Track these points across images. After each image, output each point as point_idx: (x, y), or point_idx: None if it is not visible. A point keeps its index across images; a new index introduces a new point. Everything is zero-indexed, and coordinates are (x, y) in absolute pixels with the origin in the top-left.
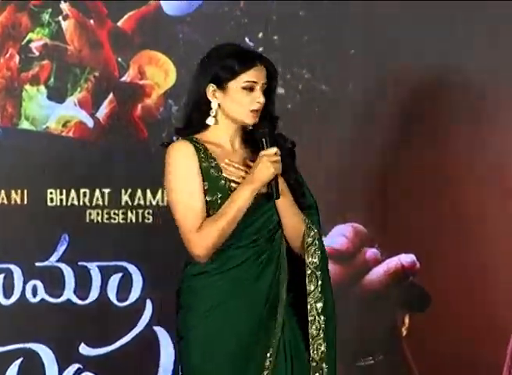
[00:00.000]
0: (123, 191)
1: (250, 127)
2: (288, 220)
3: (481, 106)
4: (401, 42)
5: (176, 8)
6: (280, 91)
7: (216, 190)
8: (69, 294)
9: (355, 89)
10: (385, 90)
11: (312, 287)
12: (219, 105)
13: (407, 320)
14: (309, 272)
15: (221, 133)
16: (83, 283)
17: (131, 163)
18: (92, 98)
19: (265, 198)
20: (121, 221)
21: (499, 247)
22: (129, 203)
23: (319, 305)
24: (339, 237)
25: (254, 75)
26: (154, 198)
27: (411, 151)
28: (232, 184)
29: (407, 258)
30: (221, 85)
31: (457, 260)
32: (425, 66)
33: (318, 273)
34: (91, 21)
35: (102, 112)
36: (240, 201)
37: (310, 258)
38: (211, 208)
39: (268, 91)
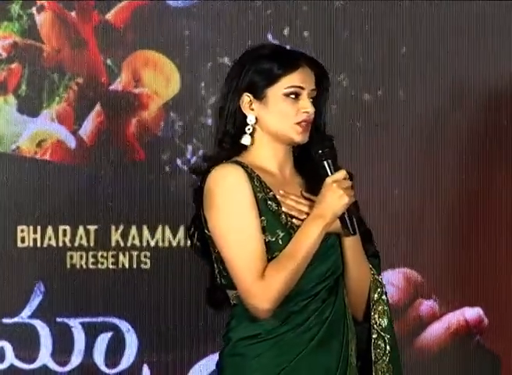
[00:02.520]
0: (113, 228)
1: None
2: (354, 267)
3: None
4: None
5: None
6: None
7: (277, 227)
8: (44, 358)
9: (406, 98)
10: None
11: (379, 355)
12: (257, 119)
13: None
14: (375, 336)
15: (267, 157)
16: (62, 344)
17: (124, 193)
18: (74, 111)
19: (333, 240)
20: (110, 266)
21: None
22: (121, 244)
23: None
24: (387, 286)
25: (298, 79)
26: (152, 237)
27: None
28: (294, 221)
29: (472, 313)
30: (258, 94)
31: None
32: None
33: (387, 337)
34: (73, 14)
35: (87, 128)
36: (311, 239)
37: (377, 319)
38: (272, 250)
39: (318, 101)
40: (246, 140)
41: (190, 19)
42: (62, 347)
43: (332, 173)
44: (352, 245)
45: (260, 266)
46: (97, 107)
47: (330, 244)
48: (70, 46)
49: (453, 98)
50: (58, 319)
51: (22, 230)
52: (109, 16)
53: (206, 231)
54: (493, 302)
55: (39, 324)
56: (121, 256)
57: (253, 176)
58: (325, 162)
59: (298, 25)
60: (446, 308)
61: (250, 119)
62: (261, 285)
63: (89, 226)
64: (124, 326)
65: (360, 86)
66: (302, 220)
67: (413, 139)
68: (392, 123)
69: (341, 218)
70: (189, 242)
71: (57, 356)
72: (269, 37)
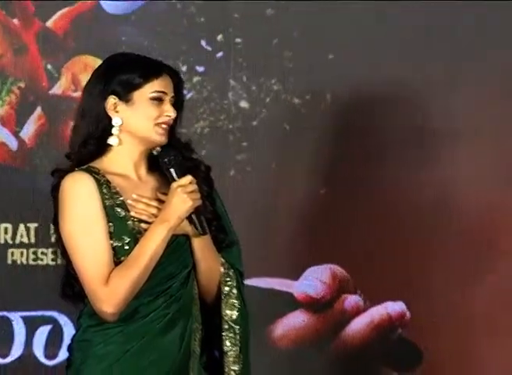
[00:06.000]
0: (53, 226)
1: (155, 153)
2: (203, 264)
3: None
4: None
5: (118, 6)
6: (244, 105)
7: (123, 233)
8: None
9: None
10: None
11: (229, 346)
12: (123, 121)
13: None
14: (226, 327)
15: (123, 160)
16: (3, 337)
17: None
18: (16, 114)
19: (182, 240)
20: (50, 262)
21: (499, 293)
22: None
23: (237, 367)
24: (313, 281)
25: (162, 85)
26: None
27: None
28: (143, 225)
29: (394, 308)
30: (124, 97)
31: (458, 308)
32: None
33: (237, 328)
34: (15, 21)
35: (28, 130)
36: (153, 244)
37: (227, 311)
38: (119, 255)
39: (175, 107)
40: (113, 140)
41: (127, 25)
42: (3, 339)
43: (177, 179)
44: (201, 244)
45: (105, 272)
46: (38, 110)
47: (179, 244)
48: (12, 52)
49: (378, 102)
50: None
51: None
52: (50, 23)
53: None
54: (415, 296)
55: None
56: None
57: (102, 182)
58: (170, 170)
59: (231, 32)
60: (369, 303)
61: (116, 122)
62: (105, 290)
63: (29, 224)
64: (62, 319)
65: (290, 90)
66: (151, 224)
67: (339, 141)
68: (320, 125)
69: (190, 220)
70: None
71: None
72: (203, 43)
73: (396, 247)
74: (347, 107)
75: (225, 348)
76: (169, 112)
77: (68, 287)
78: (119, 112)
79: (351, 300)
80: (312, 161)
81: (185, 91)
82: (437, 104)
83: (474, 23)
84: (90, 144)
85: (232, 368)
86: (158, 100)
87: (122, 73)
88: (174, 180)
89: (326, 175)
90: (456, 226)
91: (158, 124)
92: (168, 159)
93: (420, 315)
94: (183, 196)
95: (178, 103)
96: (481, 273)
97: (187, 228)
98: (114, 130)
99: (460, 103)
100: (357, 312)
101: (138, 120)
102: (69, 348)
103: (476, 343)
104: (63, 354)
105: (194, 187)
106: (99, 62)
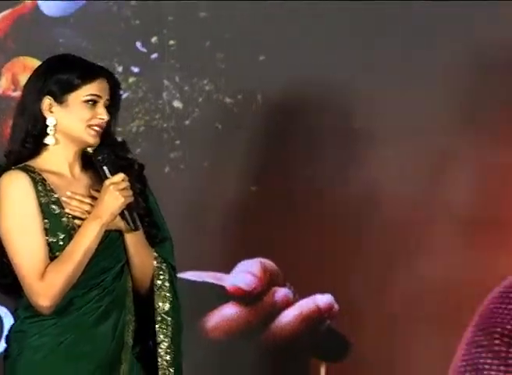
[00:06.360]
0: None
1: (90, 151)
2: (136, 258)
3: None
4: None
5: (56, 8)
6: (177, 104)
7: (58, 229)
8: None
9: (265, 103)
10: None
11: (162, 337)
12: (57, 121)
13: (323, 370)
14: (159, 319)
15: (58, 159)
16: None
17: None
18: None
19: (115, 235)
20: None
21: (423, 284)
22: None
23: (169, 357)
24: (244, 274)
25: (97, 88)
26: None
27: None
28: (76, 221)
29: (323, 300)
30: (59, 98)
31: (383, 300)
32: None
33: (169, 319)
34: None
35: None
36: (87, 240)
37: (160, 303)
38: (54, 251)
39: (111, 110)
40: (49, 140)
41: (64, 28)
42: None
43: (110, 177)
44: (134, 239)
45: (41, 267)
46: None
47: (112, 240)
48: None
49: (307, 103)
50: None
51: None
52: None
53: None
54: (343, 289)
55: None
56: None
57: (37, 180)
58: (104, 167)
59: (165, 34)
60: (298, 296)
61: (51, 122)
62: (41, 285)
63: None
64: (2, 310)
65: (222, 90)
66: (85, 220)
67: (269, 140)
68: (251, 125)
69: (123, 216)
70: None
71: None
72: (138, 44)
73: (323, 241)
74: (277, 107)
75: (158, 339)
76: (102, 115)
77: (3, 277)
78: (53, 113)
79: (281, 293)
80: (243, 159)
81: (121, 92)
82: (364, 105)
83: (398, 24)
84: (27, 142)
85: (165, 358)
86: (92, 103)
87: (60, 74)
88: (107, 178)
89: (257, 173)
90: (379, 223)
91: (90, 126)
92: (101, 157)
93: (347, 307)
94: (116, 193)
95: (114, 105)
96: (403, 269)
97: (120, 224)
98: (49, 130)
99: (385, 104)
100: (287, 304)
101: (71, 122)
102: (7, 339)
103: (400, 333)
104: (2, 345)
105: (127, 184)
106: (38, 62)
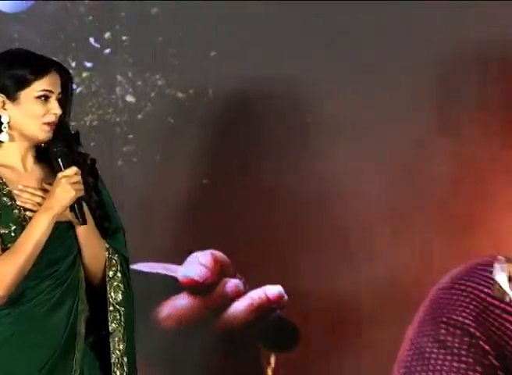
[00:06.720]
0: None
1: (43, 144)
2: (88, 250)
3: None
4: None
5: (11, 5)
6: (130, 99)
7: (9, 221)
8: None
9: (216, 97)
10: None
11: (114, 326)
12: (10, 118)
13: (272, 360)
14: (111, 309)
15: (11, 153)
16: None
17: None
18: None
19: (65, 227)
20: None
21: (376, 274)
22: None
23: (122, 346)
24: (196, 265)
25: (48, 83)
26: None
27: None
28: (28, 213)
29: (272, 290)
30: (11, 95)
31: (330, 291)
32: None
33: (122, 309)
34: None
35: None
36: (38, 231)
37: (112, 294)
38: (6, 242)
39: (63, 103)
40: (3, 137)
41: (20, 24)
42: None
43: (63, 169)
44: (84, 231)
45: None
46: None
47: (63, 231)
48: None
49: (257, 98)
50: None
51: None
52: None
53: None
54: (292, 280)
55: None
56: None
57: None
58: (58, 160)
59: (117, 29)
60: (249, 286)
61: (4, 119)
62: None
63: None
64: None
65: (174, 85)
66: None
67: (220, 134)
68: (202, 119)
69: (72, 209)
70: None
71: None
72: (91, 40)
73: (274, 235)
74: (228, 102)
75: (111, 329)
76: (55, 110)
77: None
78: (6, 110)
79: (232, 283)
80: (195, 153)
81: (74, 86)
82: (317, 101)
83: (348, 23)
84: None
85: (118, 347)
86: (45, 98)
87: (13, 69)
88: (61, 170)
89: (208, 167)
90: (329, 218)
91: (44, 123)
92: (56, 150)
93: (297, 297)
94: (67, 186)
95: (66, 98)
96: (350, 262)
97: (70, 216)
98: (3, 128)
99: (341, 101)
100: (238, 294)
101: (25, 118)
102: None
103: (349, 322)
104: None
105: (78, 178)
106: None
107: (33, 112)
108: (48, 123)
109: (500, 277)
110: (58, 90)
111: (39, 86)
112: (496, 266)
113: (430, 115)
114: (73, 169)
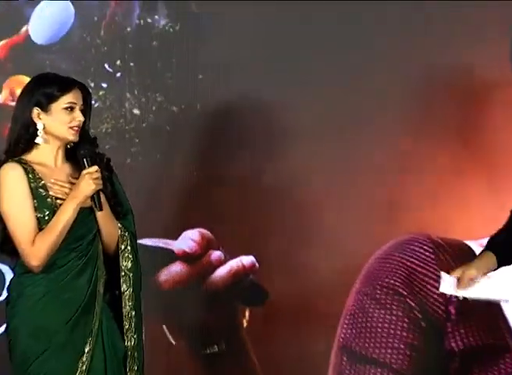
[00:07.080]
0: None
1: (71, 144)
2: (104, 229)
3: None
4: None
5: (44, 38)
6: (136, 111)
7: (44, 207)
8: None
9: (203, 110)
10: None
11: (125, 287)
12: (44, 125)
13: (247, 313)
14: (123, 274)
15: (46, 153)
16: None
17: None
18: None
19: (88, 211)
20: None
21: (329, 249)
22: None
23: (131, 303)
24: (187, 240)
25: (73, 97)
26: None
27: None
28: (58, 201)
29: (247, 260)
30: (44, 108)
31: (293, 261)
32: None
33: (131, 274)
34: None
35: None
36: (66, 216)
37: (124, 262)
38: (42, 224)
39: (85, 113)
40: (39, 140)
41: (50, 53)
42: None
43: (86, 167)
44: (102, 215)
45: (32, 236)
46: None
47: (85, 215)
48: None
49: (235, 110)
50: None
51: None
52: None
53: None
54: (264, 251)
55: None
56: None
57: (28, 170)
58: (84, 159)
59: (127, 58)
60: (229, 257)
61: (40, 126)
62: (32, 249)
63: None
64: (4, 268)
65: (170, 101)
66: (65, 200)
67: (207, 138)
68: (193, 127)
69: (92, 199)
70: None
71: None
72: (106, 66)
73: (249, 216)
74: (213, 113)
75: (123, 289)
76: (79, 117)
77: (5, 244)
78: (41, 119)
79: (215, 254)
80: (187, 152)
81: (93, 101)
82: (285, 103)
83: (321, 25)
84: (21, 142)
85: (128, 303)
86: (70, 109)
87: (44, 88)
88: (85, 167)
89: (198, 162)
90: (295, 203)
91: (71, 127)
92: (83, 151)
93: (266, 265)
94: (89, 181)
95: (87, 109)
96: (308, 240)
97: (91, 203)
98: (39, 133)
99: (306, 102)
100: (220, 263)
101: (56, 125)
102: (8, 289)
103: (309, 284)
104: (5, 294)
105: (98, 174)
106: (29, 79)
107: (61, 119)
108: (74, 127)
109: (445, 290)
110: (80, 102)
111: (65, 99)
112: (444, 278)
113: (392, 116)
114: (95, 168)
